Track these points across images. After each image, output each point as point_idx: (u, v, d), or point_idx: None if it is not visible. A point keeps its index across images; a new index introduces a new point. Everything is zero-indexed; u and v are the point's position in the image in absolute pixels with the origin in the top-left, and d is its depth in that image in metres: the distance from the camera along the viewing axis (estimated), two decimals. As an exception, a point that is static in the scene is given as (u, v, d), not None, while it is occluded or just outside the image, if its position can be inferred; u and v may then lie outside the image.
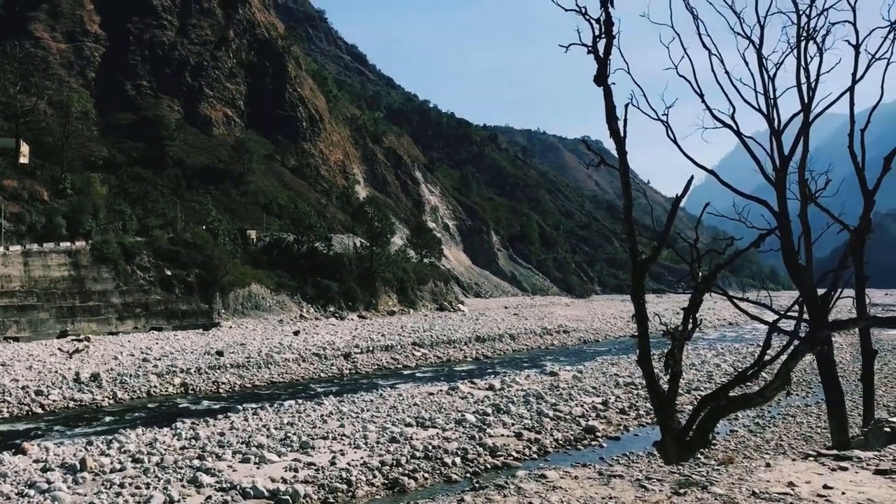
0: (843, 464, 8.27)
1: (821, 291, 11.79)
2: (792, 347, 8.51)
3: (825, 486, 7.29)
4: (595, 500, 7.73)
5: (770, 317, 11.90)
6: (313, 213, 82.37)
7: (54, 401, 24.58)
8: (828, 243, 12.42)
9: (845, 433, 11.42)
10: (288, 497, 12.54)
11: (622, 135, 8.53)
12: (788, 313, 9.58)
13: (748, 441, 18.19)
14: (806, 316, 10.27)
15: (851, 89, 11.91)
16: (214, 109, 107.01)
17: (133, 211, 66.21)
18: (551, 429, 18.93)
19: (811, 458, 8.32)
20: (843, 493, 7.11)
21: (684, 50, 12.14)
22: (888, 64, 12.43)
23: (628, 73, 10.37)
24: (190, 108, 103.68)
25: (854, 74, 12.23)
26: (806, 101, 11.99)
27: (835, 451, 8.44)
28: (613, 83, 8.52)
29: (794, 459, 8.51)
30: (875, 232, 11.40)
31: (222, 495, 12.74)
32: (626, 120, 8.72)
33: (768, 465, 8.21)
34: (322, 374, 32.86)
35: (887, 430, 9.91)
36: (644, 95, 10.90)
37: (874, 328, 10.91)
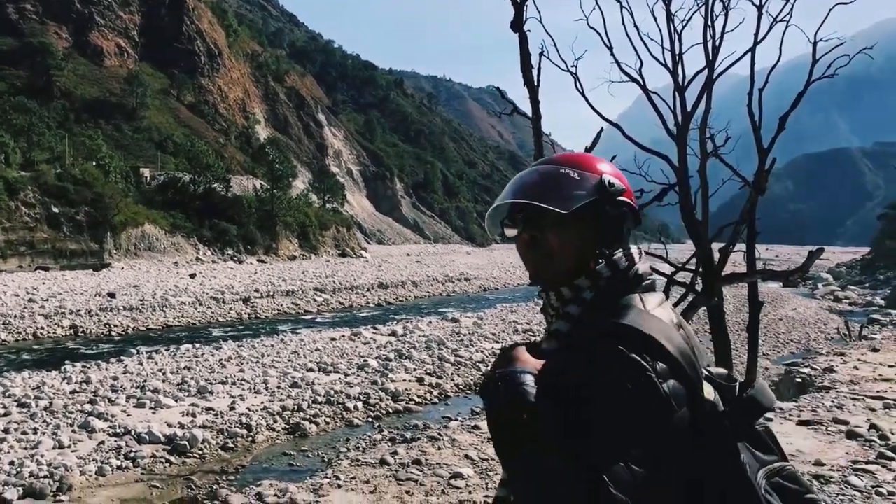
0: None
1: (713, 245, 12.29)
2: (689, 299, 8.85)
3: None
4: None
5: (664, 268, 12.33)
6: (211, 152, 79.55)
7: (-72, 342, 23.16)
8: (714, 200, 12.91)
9: (731, 380, 12.03)
10: (185, 442, 12.26)
11: (536, 84, 8.51)
12: (686, 266, 9.95)
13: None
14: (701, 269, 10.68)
15: (753, 49, 12.26)
16: (106, 39, 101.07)
17: (17, 143, 62.23)
18: (452, 374, 19.19)
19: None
20: None
21: (596, 2, 12.18)
22: (787, 26, 12.87)
23: (540, 22, 10.33)
24: (79, 37, 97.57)
25: (756, 35, 12.58)
26: (710, 58, 12.30)
27: None
28: (529, 30, 8.45)
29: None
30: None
31: (116, 441, 12.34)
32: (539, 69, 8.70)
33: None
34: (220, 319, 32.17)
35: (798, 380, 10.47)
36: (555, 46, 10.92)
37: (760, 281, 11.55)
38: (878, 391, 10.87)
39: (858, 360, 13.20)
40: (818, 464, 7.07)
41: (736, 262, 15.89)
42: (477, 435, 9.24)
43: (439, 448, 8.88)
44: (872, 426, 8.82)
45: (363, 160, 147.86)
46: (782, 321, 29.57)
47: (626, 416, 1.29)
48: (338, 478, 9.04)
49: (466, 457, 8.59)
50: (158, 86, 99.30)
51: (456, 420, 13.41)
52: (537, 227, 1.50)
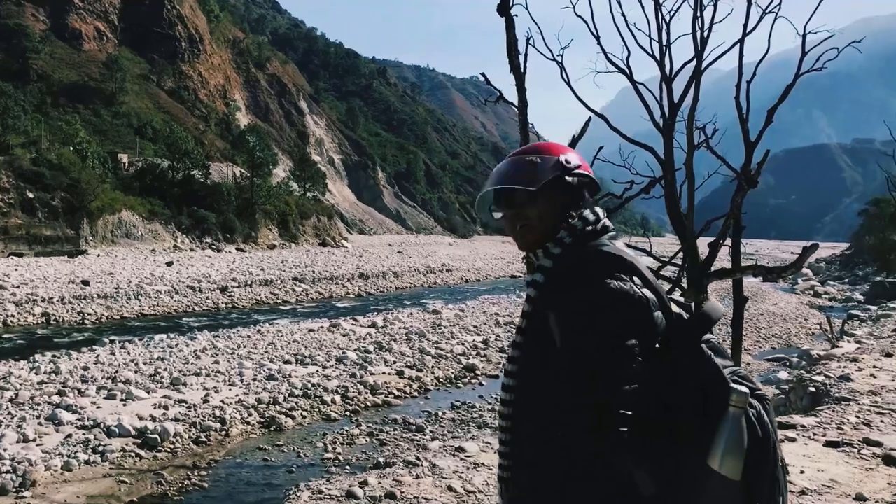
0: (788, 433, 7.84)
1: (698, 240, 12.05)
2: (676, 294, 8.61)
3: None
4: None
5: (648, 263, 12.06)
6: (190, 139, 78.48)
7: None
8: (697, 194, 12.69)
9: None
10: (157, 435, 11.92)
11: (522, 70, 8.23)
12: (673, 261, 9.72)
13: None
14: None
15: (742, 40, 12.04)
16: (85, 23, 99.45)
17: (-10, 127, 61.09)
18: (433, 367, 18.94)
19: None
20: (803, 472, 6.59)
21: (584, -11, 11.89)
22: (776, 18, 12.64)
23: (526, 8, 10.02)
24: (57, 20, 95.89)
25: (745, 26, 12.35)
26: (699, 49, 12.06)
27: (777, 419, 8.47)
28: (516, 15, 8.16)
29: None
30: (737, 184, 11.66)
31: (84, 434, 11.97)
32: (526, 55, 8.42)
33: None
34: (196, 308, 31.70)
35: (811, 389, 10.09)
36: (541, 34, 10.61)
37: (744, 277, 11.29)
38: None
39: (874, 366, 12.61)
40: (860, 498, 6.02)
41: (719, 257, 15.70)
42: (461, 460, 7.89)
43: (417, 477, 7.51)
44: (909, 447, 7.89)
45: (345, 149, 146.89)
46: (763, 316, 29.57)
47: (614, 314, 1.70)
48: (294, 515, 7.90)
49: (450, 489, 7.18)
50: (138, 71, 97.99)
51: (437, 440, 12.25)
52: (516, 206, 1.92)
